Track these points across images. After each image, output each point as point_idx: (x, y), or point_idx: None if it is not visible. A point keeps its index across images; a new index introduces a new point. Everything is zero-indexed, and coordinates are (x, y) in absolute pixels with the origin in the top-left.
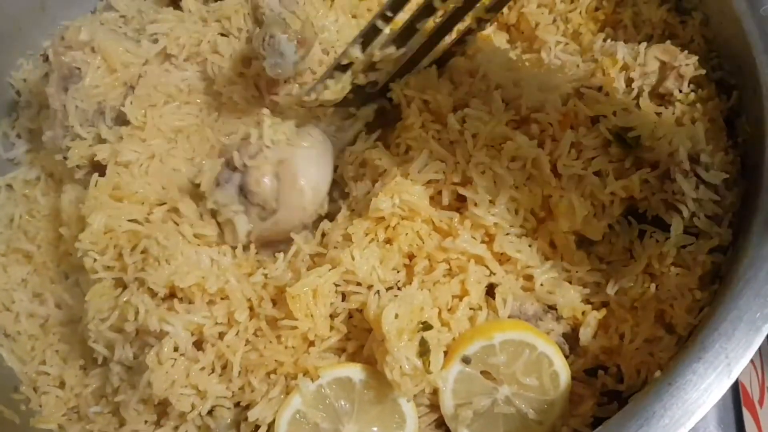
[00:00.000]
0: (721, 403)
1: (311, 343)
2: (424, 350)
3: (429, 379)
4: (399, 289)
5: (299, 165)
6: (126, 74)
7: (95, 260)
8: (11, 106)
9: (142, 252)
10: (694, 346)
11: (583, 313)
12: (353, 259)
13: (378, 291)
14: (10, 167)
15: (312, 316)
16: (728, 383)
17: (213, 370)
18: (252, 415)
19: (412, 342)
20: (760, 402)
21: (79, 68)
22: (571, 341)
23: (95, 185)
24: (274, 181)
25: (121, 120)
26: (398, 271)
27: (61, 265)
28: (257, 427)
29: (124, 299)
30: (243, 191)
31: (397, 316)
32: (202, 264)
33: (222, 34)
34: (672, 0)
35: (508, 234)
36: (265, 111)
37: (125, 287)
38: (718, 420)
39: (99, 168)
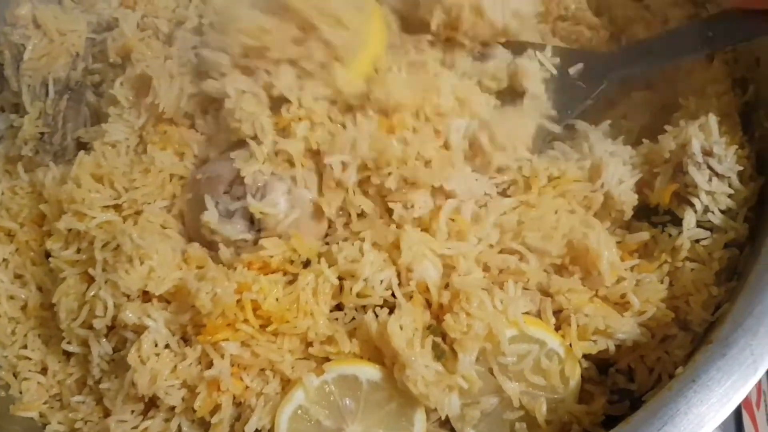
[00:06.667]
0: None
1: (309, 344)
2: (439, 353)
3: (454, 380)
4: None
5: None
6: (66, 43)
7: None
8: None
9: (114, 249)
10: (718, 342)
11: None
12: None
13: (374, 309)
14: None
15: (312, 314)
16: (755, 380)
17: (200, 363)
18: (249, 428)
19: (426, 349)
20: (758, 404)
21: (24, 44)
22: None
23: (80, 163)
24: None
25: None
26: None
27: (44, 244)
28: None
29: (92, 294)
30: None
31: (401, 327)
32: (177, 260)
33: None
34: None
35: None
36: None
37: (92, 281)
38: None
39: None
